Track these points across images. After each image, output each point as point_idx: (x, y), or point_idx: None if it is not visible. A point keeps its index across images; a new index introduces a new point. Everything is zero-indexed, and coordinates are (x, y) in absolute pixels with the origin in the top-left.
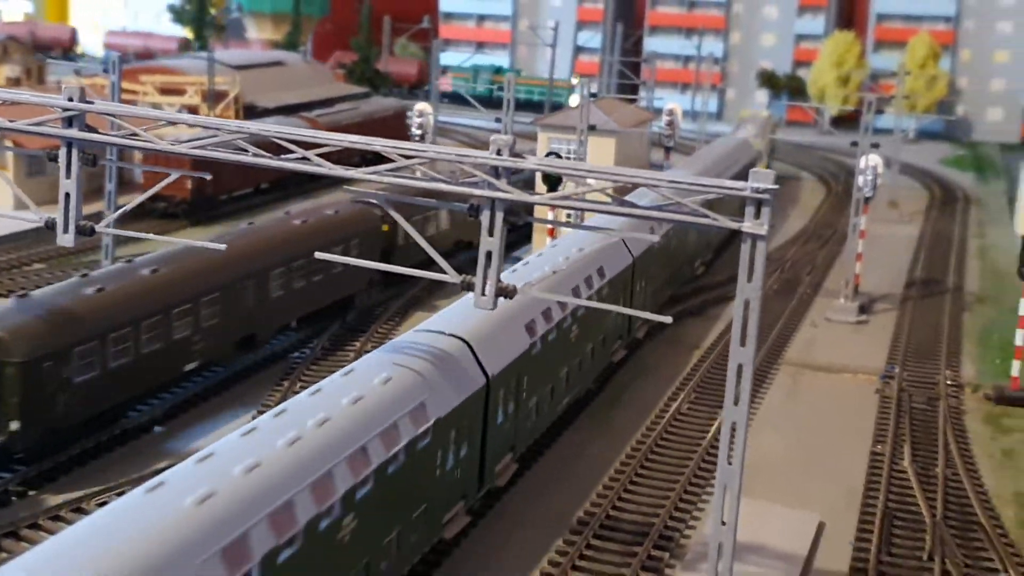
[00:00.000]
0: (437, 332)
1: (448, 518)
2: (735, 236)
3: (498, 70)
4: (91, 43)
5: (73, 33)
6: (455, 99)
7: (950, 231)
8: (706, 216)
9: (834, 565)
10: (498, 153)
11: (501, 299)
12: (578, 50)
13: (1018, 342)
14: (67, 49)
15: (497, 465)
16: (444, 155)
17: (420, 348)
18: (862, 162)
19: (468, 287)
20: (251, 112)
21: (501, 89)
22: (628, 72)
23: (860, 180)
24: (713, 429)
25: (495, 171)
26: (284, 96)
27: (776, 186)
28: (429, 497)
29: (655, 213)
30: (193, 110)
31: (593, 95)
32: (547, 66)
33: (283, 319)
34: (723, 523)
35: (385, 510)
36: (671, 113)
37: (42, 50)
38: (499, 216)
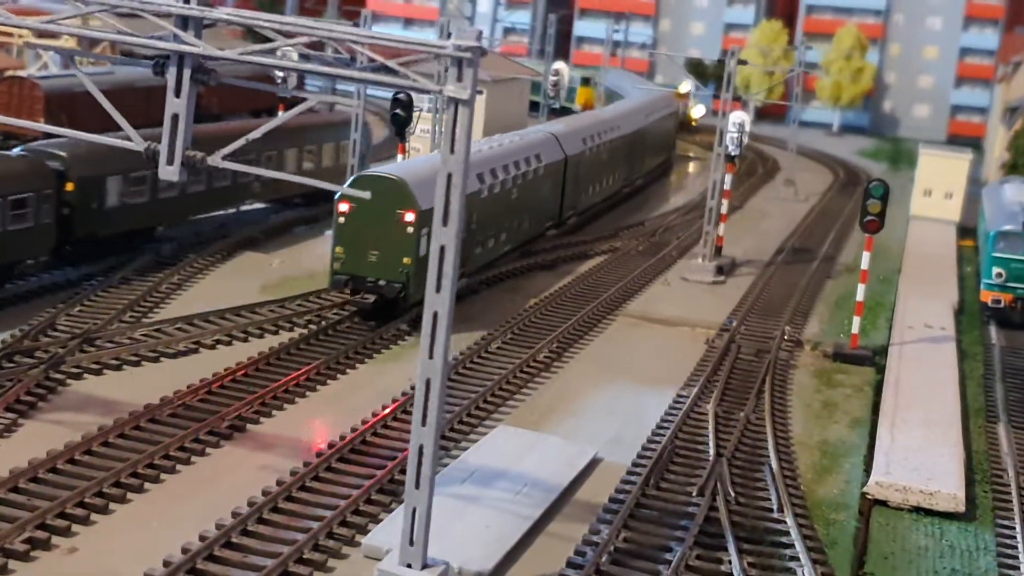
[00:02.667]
0: (541, 132)
1: (546, 226)
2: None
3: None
4: None
5: None
6: None
7: (842, 209)
8: (407, 77)
9: (596, 497)
10: (186, 1)
11: None
12: (505, 31)
13: (858, 297)
14: None
15: (566, 214)
16: (124, 4)
17: (533, 133)
18: (731, 119)
19: (153, 155)
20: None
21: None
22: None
23: (727, 138)
24: (514, 366)
25: (183, 22)
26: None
27: (480, 44)
28: (540, 205)
29: (354, 74)
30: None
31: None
32: None
33: None
34: (423, 424)
35: (526, 197)
36: (557, 73)
37: None
38: (187, 73)
